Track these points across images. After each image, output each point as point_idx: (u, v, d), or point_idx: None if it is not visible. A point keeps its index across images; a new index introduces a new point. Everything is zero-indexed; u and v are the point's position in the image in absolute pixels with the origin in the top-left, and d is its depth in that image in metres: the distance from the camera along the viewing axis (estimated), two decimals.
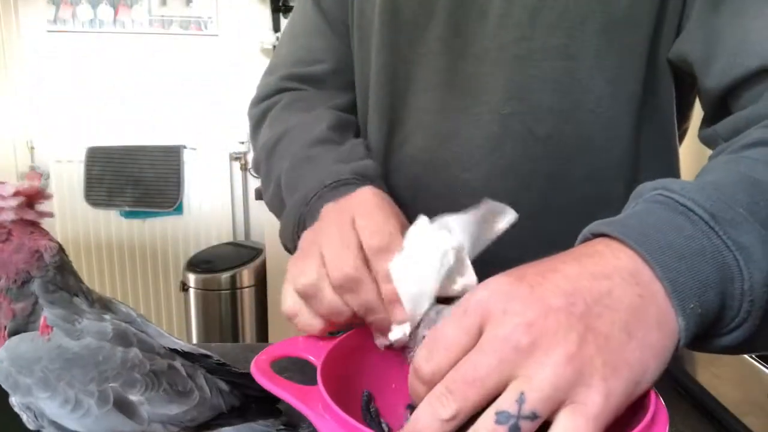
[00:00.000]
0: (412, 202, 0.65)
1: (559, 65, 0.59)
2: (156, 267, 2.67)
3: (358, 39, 0.70)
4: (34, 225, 0.48)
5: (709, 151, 0.55)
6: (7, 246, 0.46)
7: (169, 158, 2.57)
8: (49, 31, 2.50)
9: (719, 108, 0.56)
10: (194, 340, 2.41)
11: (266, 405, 0.54)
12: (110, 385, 0.46)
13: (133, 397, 0.46)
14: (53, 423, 0.46)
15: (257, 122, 0.77)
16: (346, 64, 0.74)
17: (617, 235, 0.36)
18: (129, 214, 2.62)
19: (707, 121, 0.58)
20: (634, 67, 0.59)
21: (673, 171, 0.66)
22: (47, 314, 0.47)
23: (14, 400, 0.47)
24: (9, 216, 0.46)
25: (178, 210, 2.62)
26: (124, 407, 0.46)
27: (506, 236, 0.61)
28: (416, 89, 0.66)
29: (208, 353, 0.53)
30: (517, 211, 0.63)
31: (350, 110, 0.75)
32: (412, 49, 0.65)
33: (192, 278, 2.37)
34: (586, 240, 0.38)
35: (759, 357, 0.72)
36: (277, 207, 0.67)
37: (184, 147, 2.59)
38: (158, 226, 2.64)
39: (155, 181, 2.57)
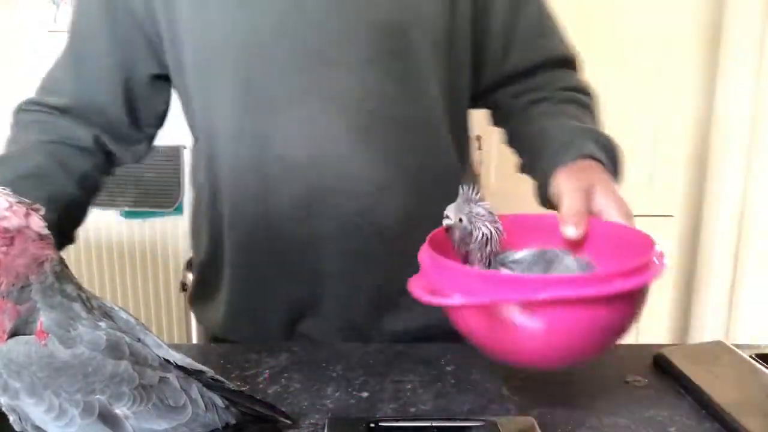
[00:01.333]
0: (308, 211, 0.77)
1: (396, 66, 0.76)
2: (156, 267, 2.67)
3: (198, 76, 0.80)
4: (41, 235, 0.49)
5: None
6: (11, 250, 0.47)
7: (169, 158, 2.57)
8: (49, 31, 2.50)
9: (499, 82, 0.86)
10: (194, 340, 2.40)
11: (264, 424, 0.53)
12: (96, 397, 0.46)
13: (119, 410, 0.46)
14: (37, 428, 0.47)
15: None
16: (86, 103, 0.86)
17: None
18: (129, 214, 2.62)
19: (485, 91, 0.88)
20: (434, 61, 0.78)
21: (465, 132, 0.89)
22: (43, 318, 0.47)
23: (2, 401, 0.47)
24: (13, 223, 0.47)
25: (178, 210, 2.62)
26: (109, 420, 0.46)
27: (388, 210, 0.79)
28: (281, 107, 0.75)
29: (204, 369, 0.53)
30: (392, 188, 0.79)
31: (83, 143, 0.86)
32: (268, 72, 0.74)
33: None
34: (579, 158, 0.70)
35: (759, 357, 0.72)
36: None
37: (184, 147, 2.59)
38: (158, 226, 2.65)
39: (155, 181, 2.57)
